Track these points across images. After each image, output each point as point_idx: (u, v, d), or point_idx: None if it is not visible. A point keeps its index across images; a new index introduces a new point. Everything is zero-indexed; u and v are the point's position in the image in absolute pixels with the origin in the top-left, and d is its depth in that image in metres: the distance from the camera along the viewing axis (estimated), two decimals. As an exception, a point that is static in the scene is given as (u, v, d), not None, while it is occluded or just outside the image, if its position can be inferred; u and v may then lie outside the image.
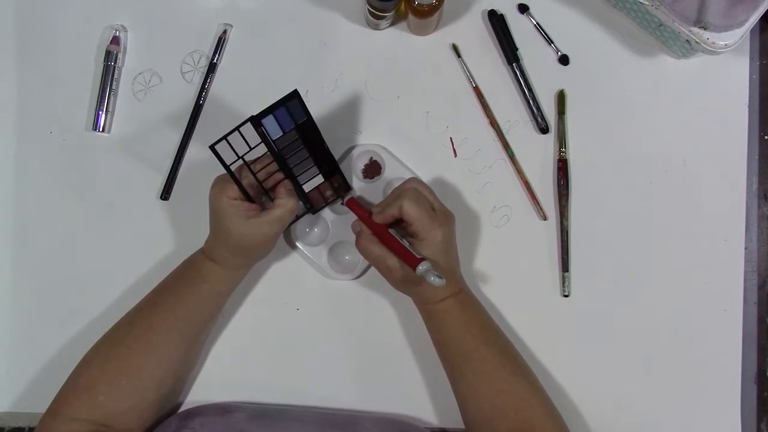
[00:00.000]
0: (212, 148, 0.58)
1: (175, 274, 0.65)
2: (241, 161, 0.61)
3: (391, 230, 0.61)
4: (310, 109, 0.61)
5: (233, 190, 0.60)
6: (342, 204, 0.69)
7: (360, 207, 0.65)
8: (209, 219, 0.63)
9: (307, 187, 0.65)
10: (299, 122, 0.61)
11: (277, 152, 0.61)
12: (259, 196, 0.63)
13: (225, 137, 0.58)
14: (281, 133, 0.60)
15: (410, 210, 0.59)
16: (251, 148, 0.60)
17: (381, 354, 0.70)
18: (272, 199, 0.62)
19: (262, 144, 0.60)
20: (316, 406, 0.69)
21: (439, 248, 0.60)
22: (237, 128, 0.58)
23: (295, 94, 0.59)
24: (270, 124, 0.59)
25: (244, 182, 0.61)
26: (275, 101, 0.59)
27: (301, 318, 0.70)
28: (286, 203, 0.61)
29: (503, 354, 0.64)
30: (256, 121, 0.59)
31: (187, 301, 0.63)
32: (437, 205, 0.63)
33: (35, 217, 0.71)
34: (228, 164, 0.59)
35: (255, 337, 0.70)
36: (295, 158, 0.62)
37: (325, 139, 0.63)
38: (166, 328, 0.62)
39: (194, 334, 0.65)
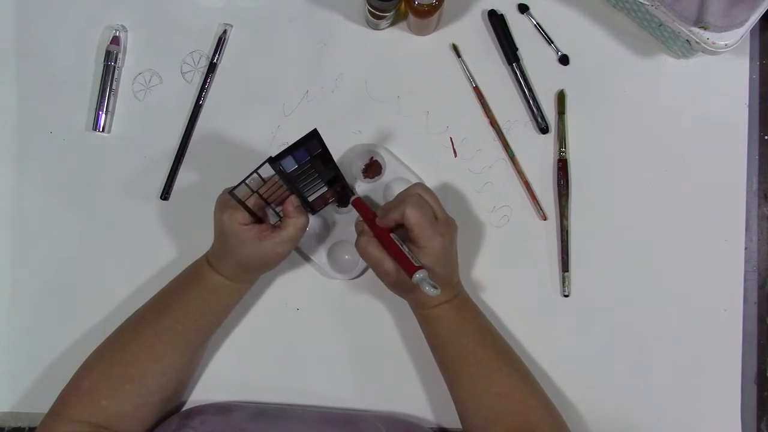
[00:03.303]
0: (232, 193, 0.57)
1: (180, 284, 0.65)
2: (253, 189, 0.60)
3: (392, 234, 0.61)
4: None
5: (243, 216, 0.59)
6: (338, 207, 0.69)
7: (365, 208, 0.65)
8: (217, 238, 0.63)
9: (312, 197, 0.65)
10: (314, 153, 0.60)
11: (290, 181, 0.61)
12: (265, 211, 0.63)
13: (244, 181, 0.57)
14: (296, 166, 0.60)
15: (412, 217, 0.59)
16: (265, 181, 0.59)
17: (380, 353, 0.70)
18: (278, 214, 0.62)
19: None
20: (316, 405, 0.69)
21: (437, 257, 0.60)
22: (255, 170, 0.58)
23: (314, 134, 0.58)
24: (287, 161, 0.59)
25: (254, 205, 0.60)
26: (295, 142, 0.58)
27: (301, 318, 0.70)
28: (297, 222, 0.61)
29: (500, 356, 0.63)
30: (274, 162, 0.58)
31: (196, 312, 0.63)
32: (440, 213, 0.62)
33: (35, 217, 0.71)
34: (245, 201, 0.59)
35: (255, 336, 0.70)
36: (305, 179, 0.62)
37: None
38: (173, 337, 0.62)
39: (200, 343, 0.65)
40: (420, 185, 0.63)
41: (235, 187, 0.57)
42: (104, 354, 0.63)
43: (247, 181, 0.57)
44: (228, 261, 0.62)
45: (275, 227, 0.61)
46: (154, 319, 0.63)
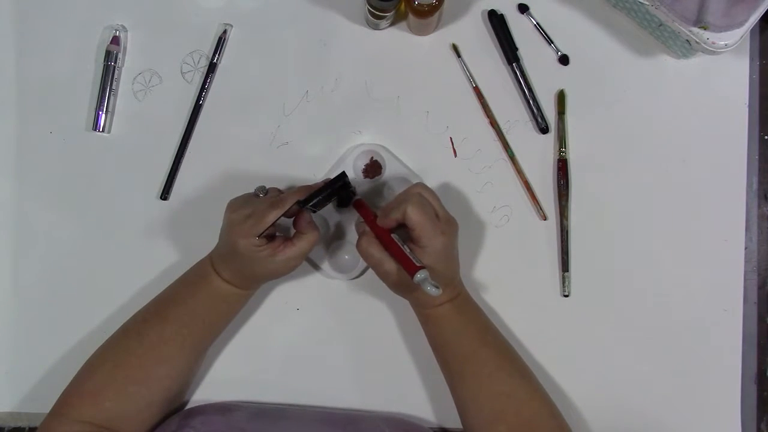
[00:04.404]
0: (260, 238, 0.59)
1: (186, 288, 0.65)
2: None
3: (393, 235, 0.61)
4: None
5: (259, 239, 0.60)
6: (338, 207, 0.69)
7: (366, 209, 0.64)
8: (229, 254, 0.62)
9: (319, 205, 0.65)
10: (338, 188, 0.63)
11: (308, 207, 0.62)
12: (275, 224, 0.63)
13: (271, 226, 0.59)
14: (319, 197, 0.62)
15: (413, 216, 0.59)
16: (286, 214, 0.61)
17: (381, 353, 0.70)
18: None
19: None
20: (316, 405, 0.69)
21: (438, 256, 0.60)
22: (283, 215, 0.59)
23: (342, 178, 0.61)
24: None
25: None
26: (324, 186, 0.61)
27: (301, 318, 0.70)
28: (310, 237, 0.61)
29: (502, 356, 0.63)
30: (303, 205, 0.61)
31: (203, 317, 0.63)
32: (441, 212, 0.62)
33: (35, 217, 0.71)
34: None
35: (256, 336, 0.70)
36: (320, 198, 0.63)
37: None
38: (179, 341, 0.62)
39: (206, 346, 0.66)
40: (420, 184, 0.63)
41: (263, 233, 0.59)
42: (107, 356, 0.63)
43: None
44: (238, 273, 0.62)
45: (288, 240, 0.61)
46: (159, 323, 0.63)
